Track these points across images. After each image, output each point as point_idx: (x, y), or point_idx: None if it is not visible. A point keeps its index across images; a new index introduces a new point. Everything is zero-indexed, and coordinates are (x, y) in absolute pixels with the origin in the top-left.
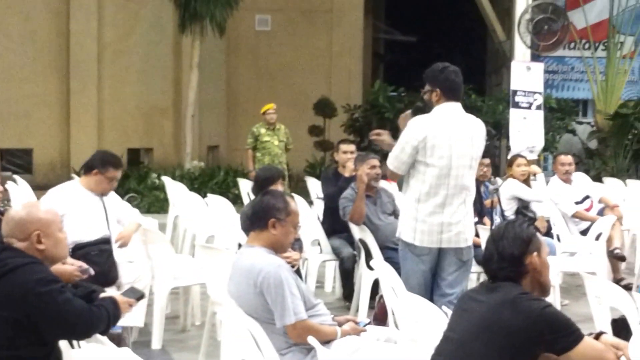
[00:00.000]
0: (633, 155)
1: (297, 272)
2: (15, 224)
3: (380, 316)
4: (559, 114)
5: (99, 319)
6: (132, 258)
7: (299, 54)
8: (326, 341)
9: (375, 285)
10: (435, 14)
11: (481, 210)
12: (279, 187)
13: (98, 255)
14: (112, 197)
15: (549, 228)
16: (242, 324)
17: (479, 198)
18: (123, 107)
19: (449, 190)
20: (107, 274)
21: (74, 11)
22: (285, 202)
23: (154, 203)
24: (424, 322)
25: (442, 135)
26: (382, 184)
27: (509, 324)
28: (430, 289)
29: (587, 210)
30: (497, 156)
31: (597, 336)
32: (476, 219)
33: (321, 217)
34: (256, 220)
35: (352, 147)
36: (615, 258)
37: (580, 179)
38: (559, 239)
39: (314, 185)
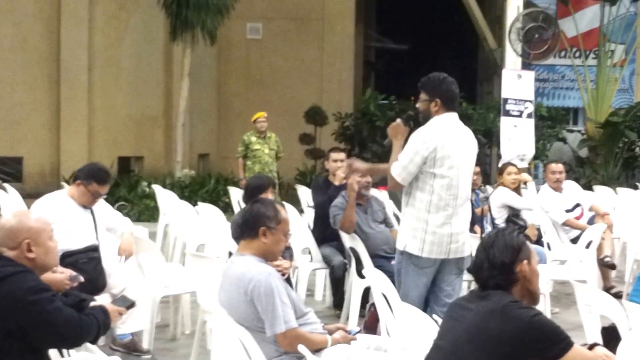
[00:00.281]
0: (623, 164)
1: (288, 280)
2: (5, 232)
3: (370, 324)
4: (550, 122)
5: (89, 327)
6: (119, 266)
7: (290, 62)
8: (317, 350)
9: (366, 293)
10: (427, 22)
11: (472, 218)
12: (270, 195)
13: (87, 263)
14: (102, 205)
15: (540, 236)
16: (233, 333)
17: (470, 206)
18: (114, 116)
19: (458, 200)
20: (96, 281)
21: (65, 19)
22: (276, 211)
23: (144, 211)
24: (414, 331)
25: (450, 145)
26: (373, 192)
27: (499, 333)
28: (425, 300)
29: (578, 218)
30: (487, 164)
31: (591, 347)
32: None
33: (312, 226)
34: (247, 228)
35: (342, 156)
36: (606, 266)
37: (571, 187)
38: (549, 247)
39: (305, 194)
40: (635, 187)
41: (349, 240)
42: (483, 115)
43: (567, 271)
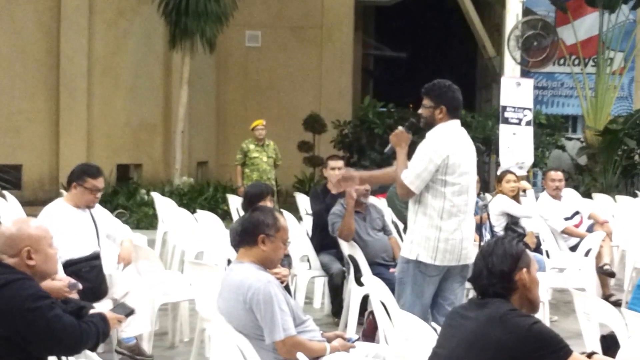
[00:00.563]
0: (622, 171)
1: (286, 288)
2: (5, 240)
3: (369, 332)
4: (549, 129)
5: (88, 335)
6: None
7: (289, 70)
8: (315, 357)
9: (364, 301)
10: (425, 30)
11: None
12: (268, 203)
13: (89, 271)
14: (102, 211)
15: (538, 244)
16: (232, 340)
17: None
18: (113, 123)
19: (468, 206)
20: (98, 289)
21: (64, 27)
22: (275, 218)
23: (142, 219)
24: (413, 339)
25: (461, 152)
26: (371, 199)
27: (498, 341)
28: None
29: (577, 226)
30: (486, 172)
31: (589, 356)
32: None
33: (310, 233)
34: (245, 236)
35: (340, 163)
36: (605, 274)
37: (570, 195)
38: (548, 255)
39: (303, 201)
40: (635, 195)
41: (347, 248)
42: (482, 123)
43: (566, 279)
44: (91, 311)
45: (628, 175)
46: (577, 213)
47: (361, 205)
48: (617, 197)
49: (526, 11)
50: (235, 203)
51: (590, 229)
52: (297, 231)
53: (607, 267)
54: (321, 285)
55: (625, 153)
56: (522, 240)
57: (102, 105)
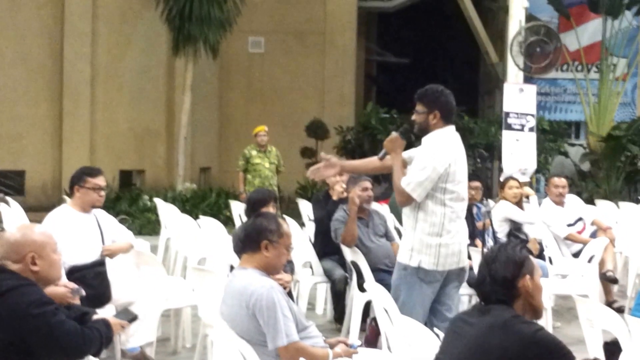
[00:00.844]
0: (626, 178)
1: (289, 294)
2: (9, 246)
3: (371, 338)
4: (552, 136)
5: (91, 340)
6: (125, 278)
7: (291, 76)
8: None
9: (367, 307)
10: (428, 36)
11: (473, 232)
12: (271, 209)
13: (94, 278)
14: (108, 217)
15: (541, 250)
16: (234, 346)
17: (471, 220)
18: (115, 129)
19: (463, 212)
20: (102, 295)
21: (68, 33)
22: (278, 224)
23: (145, 225)
24: (416, 345)
25: (459, 159)
26: (374, 205)
27: (501, 347)
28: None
29: (580, 232)
30: (489, 178)
31: None
32: (468, 241)
33: (313, 239)
34: (248, 242)
35: None
36: (608, 280)
37: (573, 201)
38: (551, 262)
39: (306, 207)
40: (638, 201)
41: (350, 254)
42: (484, 129)
43: (569, 285)
44: (94, 317)
45: (631, 181)
46: (580, 219)
47: (364, 211)
48: (620, 203)
49: (529, 17)
50: (237, 209)
51: (593, 235)
52: (300, 237)
53: (610, 273)
54: (324, 291)
55: (628, 159)
56: (525, 246)
57: (105, 111)
